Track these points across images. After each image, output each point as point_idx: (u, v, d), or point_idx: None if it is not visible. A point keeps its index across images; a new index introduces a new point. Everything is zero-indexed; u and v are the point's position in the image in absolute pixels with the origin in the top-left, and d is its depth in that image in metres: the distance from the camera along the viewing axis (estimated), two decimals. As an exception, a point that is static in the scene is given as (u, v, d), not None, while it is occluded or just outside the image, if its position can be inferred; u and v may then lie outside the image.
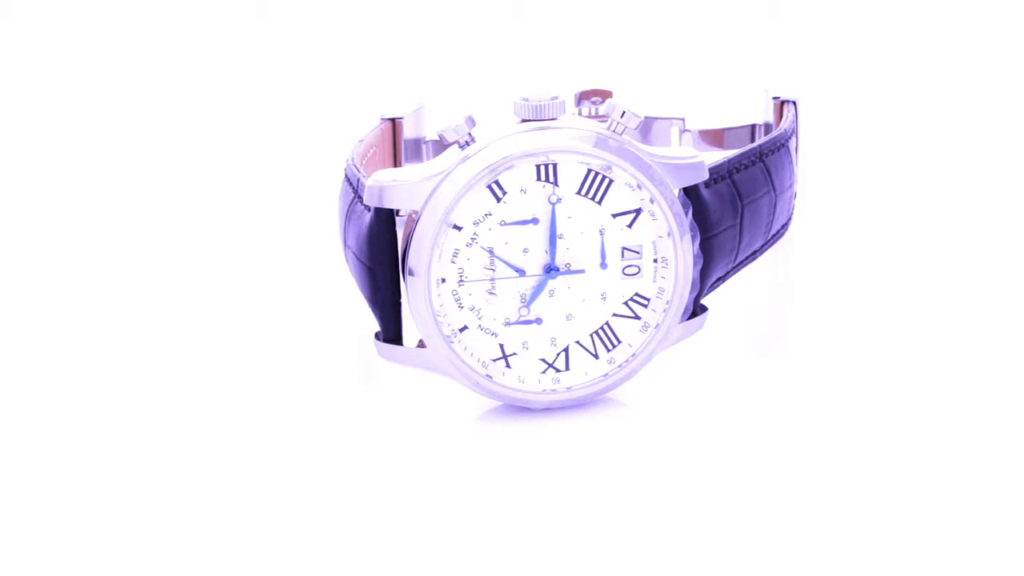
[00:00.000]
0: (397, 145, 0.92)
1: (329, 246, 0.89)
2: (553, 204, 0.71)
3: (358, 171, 0.75)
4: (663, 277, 0.72)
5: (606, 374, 0.73)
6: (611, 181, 0.71)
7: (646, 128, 0.97)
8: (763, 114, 0.96)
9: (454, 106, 1.01)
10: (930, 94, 1.18)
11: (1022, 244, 0.91)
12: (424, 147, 0.95)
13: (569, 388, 0.73)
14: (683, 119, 0.97)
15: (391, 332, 0.73)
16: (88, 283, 0.93)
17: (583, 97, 0.96)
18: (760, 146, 0.78)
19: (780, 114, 0.92)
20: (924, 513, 0.63)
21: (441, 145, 0.94)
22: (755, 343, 0.83)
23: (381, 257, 0.72)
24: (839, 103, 1.12)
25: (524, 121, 0.71)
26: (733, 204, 0.75)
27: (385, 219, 0.71)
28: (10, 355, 0.83)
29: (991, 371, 0.76)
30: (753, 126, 0.96)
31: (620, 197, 0.71)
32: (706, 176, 0.72)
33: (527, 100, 0.71)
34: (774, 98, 0.92)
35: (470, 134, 0.70)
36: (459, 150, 0.71)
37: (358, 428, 0.74)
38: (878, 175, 1.04)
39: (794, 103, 0.91)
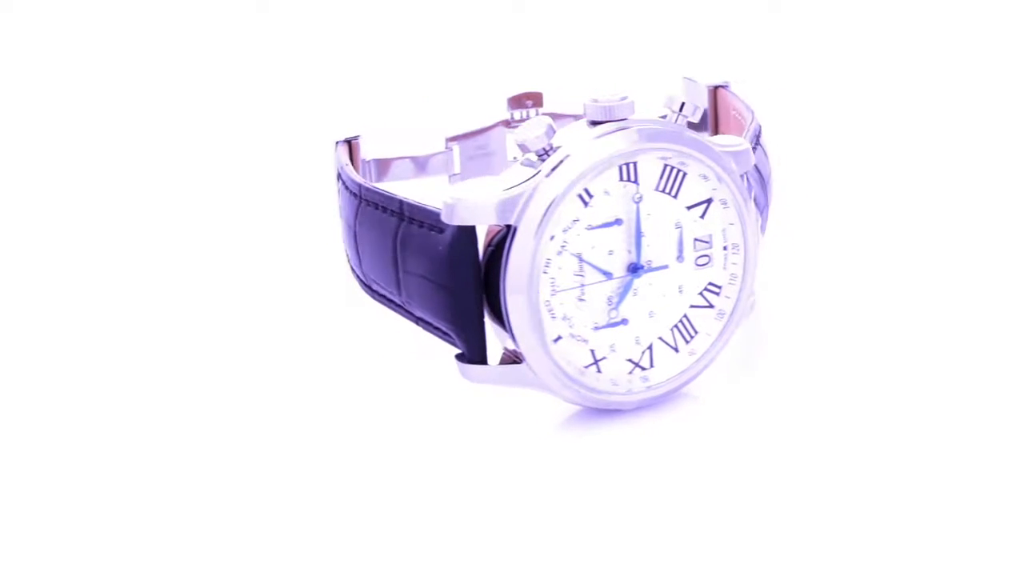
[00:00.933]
0: (355, 166, 0.89)
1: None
2: (637, 203, 0.71)
3: (391, 193, 0.73)
4: (734, 263, 0.73)
5: (687, 367, 0.74)
6: (685, 174, 0.71)
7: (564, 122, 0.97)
8: (676, 101, 0.98)
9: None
10: (853, 77, 1.21)
11: (989, 232, 0.93)
12: (367, 167, 0.93)
13: (650, 387, 0.73)
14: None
15: (478, 352, 0.71)
16: (57, 280, 0.93)
17: (515, 102, 0.96)
18: (756, 131, 0.81)
19: (714, 99, 0.95)
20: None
21: (381, 163, 0.93)
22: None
23: (465, 277, 0.70)
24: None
25: (594, 123, 0.71)
26: (762, 186, 0.77)
27: (468, 237, 0.69)
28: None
29: (968, 363, 0.77)
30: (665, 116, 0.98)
31: (693, 189, 0.72)
32: (753, 162, 0.74)
33: (597, 101, 0.70)
34: (708, 85, 0.94)
35: (551, 143, 0.69)
36: (537, 160, 0.70)
37: (446, 440, 0.73)
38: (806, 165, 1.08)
39: (727, 86, 0.94)
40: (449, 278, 0.70)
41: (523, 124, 0.70)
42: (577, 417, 0.74)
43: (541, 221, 0.68)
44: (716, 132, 0.95)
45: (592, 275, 0.71)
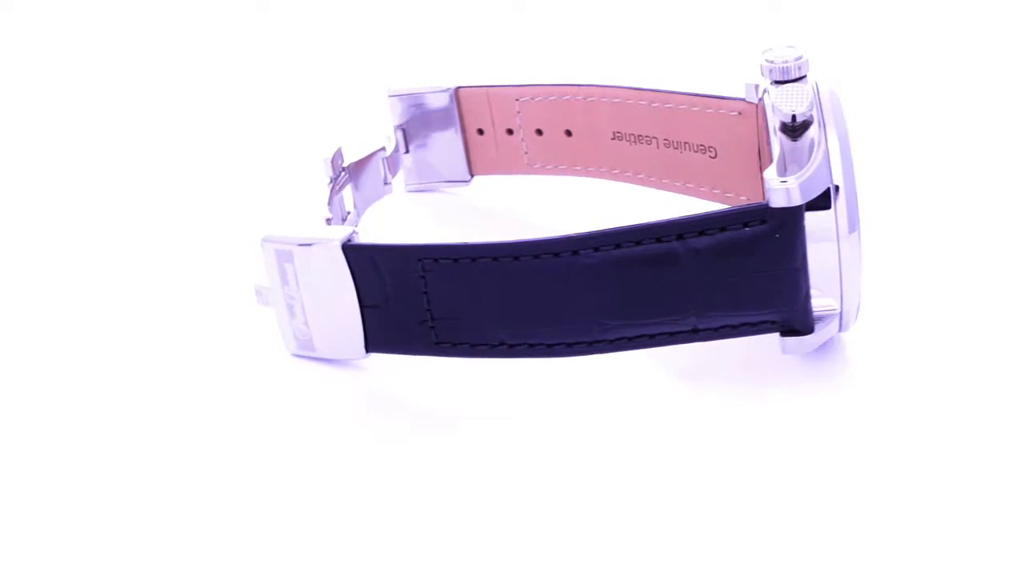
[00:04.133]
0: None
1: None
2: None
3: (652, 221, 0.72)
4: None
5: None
6: None
7: (362, 168, 0.93)
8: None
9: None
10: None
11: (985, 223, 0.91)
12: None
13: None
14: (384, 148, 0.95)
15: (810, 322, 0.74)
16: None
17: (334, 166, 0.90)
18: None
19: (457, 99, 0.97)
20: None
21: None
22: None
23: (802, 253, 0.72)
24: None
25: (779, 83, 0.75)
26: None
27: (796, 215, 0.71)
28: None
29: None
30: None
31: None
32: None
33: (787, 62, 0.75)
34: (448, 89, 0.96)
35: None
36: (794, 132, 0.74)
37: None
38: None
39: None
40: (790, 259, 0.71)
41: (788, 94, 0.72)
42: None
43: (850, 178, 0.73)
44: (465, 129, 0.98)
45: (822, 215, 0.76)
